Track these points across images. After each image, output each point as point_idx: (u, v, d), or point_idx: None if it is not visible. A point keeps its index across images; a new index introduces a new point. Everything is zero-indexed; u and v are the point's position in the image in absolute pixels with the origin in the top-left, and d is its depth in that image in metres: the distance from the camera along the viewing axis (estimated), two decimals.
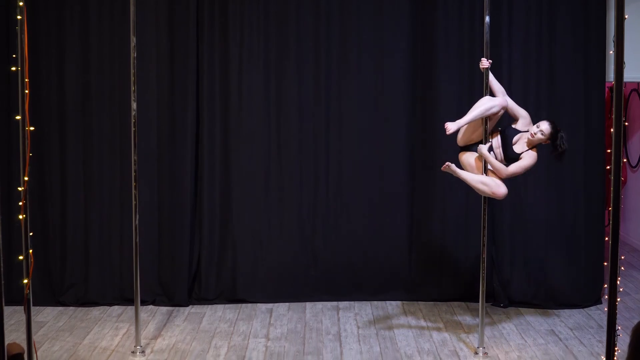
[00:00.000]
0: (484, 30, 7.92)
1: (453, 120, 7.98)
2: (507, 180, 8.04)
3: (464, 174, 8.05)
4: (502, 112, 8.00)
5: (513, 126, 8.08)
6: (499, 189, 7.92)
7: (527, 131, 8.01)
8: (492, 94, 8.01)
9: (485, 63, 7.93)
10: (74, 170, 9.64)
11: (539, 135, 7.92)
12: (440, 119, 9.54)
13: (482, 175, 7.97)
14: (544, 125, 7.93)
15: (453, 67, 9.66)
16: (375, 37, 9.71)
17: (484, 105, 7.92)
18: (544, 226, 9.67)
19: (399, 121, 9.77)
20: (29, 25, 6.20)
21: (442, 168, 8.02)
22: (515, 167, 8.00)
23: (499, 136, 8.08)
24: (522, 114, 8.09)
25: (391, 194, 9.83)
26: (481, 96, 8.04)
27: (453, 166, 8.03)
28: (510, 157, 8.02)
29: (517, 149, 8.01)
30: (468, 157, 8.16)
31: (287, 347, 8.34)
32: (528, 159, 7.98)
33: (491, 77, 8.01)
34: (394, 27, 9.67)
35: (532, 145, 7.99)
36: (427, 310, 9.51)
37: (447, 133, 7.89)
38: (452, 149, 9.43)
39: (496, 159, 8.02)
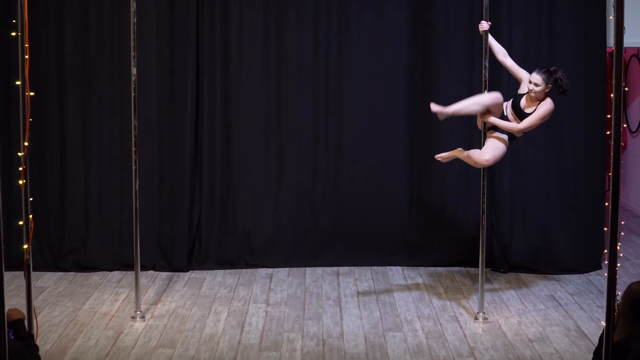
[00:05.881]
0: None
1: (455, 89, 7.99)
2: (508, 146, 8.01)
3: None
4: (495, 102, 7.91)
5: (519, 92, 8.03)
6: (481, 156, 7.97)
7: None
8: (493, 55, 8.01)
9: (484, 25, 7.89)
10: (73, 135, 9.62)
11: (536, 89, 7.85)
12: (441, 79, 9.57)
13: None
14: (535, 77, 7.86)
15: (453, 30, 9.62)
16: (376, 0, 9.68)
17: (474, 98, 7.94)
18: (544, 191, 9.67)
19: (399, 83, 9.74)
20: None
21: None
22: (530, 120, 7.90)
23: (510, 106, 8.02)
24: (522, 76, 8.05)
25: (391, 160, 9.82)
26: (481, 58, 8.02)
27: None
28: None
29: (529, 110, 7.94)
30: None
31: (287, 312, 8.36)
32: (541, 108, 7.89)
33: (491, 38, 7.98)
34: None
35: (539, 100, 7.92)
36: (427, 276, 9.53)
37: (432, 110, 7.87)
38: None
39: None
